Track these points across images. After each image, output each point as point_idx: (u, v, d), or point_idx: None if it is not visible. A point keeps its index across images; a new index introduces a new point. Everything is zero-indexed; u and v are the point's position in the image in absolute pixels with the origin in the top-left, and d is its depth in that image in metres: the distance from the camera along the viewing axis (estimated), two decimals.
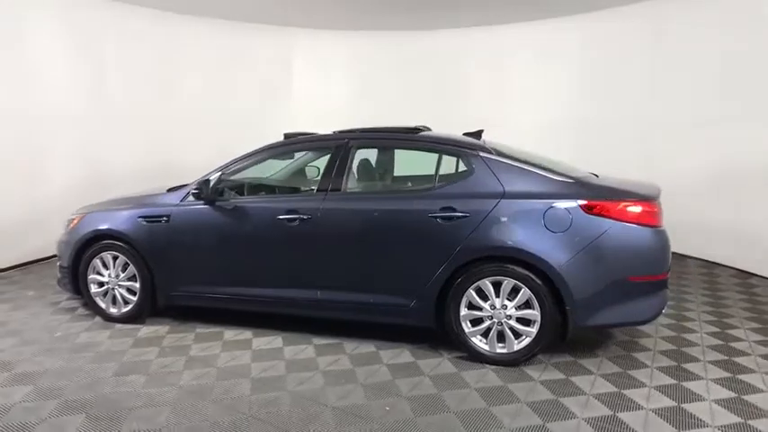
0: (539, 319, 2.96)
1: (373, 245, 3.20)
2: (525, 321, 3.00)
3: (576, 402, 2.67)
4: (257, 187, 3.86)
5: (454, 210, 3.06)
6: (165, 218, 3.56)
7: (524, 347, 3.01)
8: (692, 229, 5.61)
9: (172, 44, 6.52)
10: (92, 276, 3.75)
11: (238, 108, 7.03)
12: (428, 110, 6.28)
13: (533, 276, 2.93)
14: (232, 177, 3.62)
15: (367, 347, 3.32)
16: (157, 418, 2.50)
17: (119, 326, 3.69)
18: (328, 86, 7.46)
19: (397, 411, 2.57)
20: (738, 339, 3.49)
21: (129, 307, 3.70)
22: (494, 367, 3.04)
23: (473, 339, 3.10)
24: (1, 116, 4.95)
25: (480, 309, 3.05)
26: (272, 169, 4.02)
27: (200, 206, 3.52)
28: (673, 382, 2.89)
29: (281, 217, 3.31)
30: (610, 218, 2.90)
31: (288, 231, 3.30)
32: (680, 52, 5.61)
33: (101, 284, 3.74)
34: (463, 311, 3.08)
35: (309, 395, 2.72)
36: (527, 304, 2.98)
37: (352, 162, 3.41)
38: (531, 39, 6.85)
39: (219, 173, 3.57)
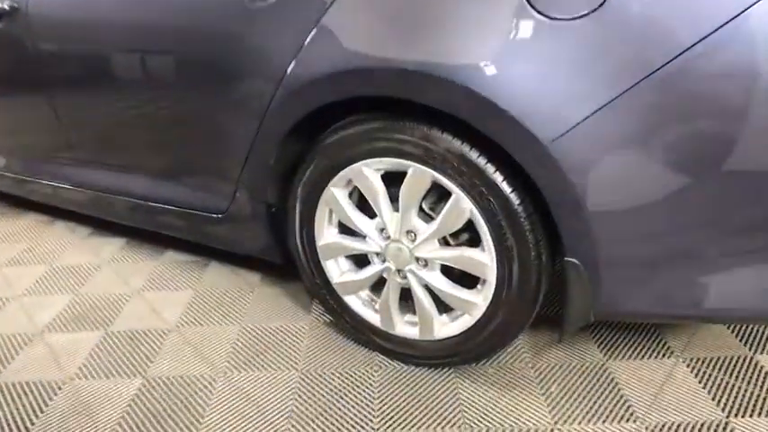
0: (493, 273, 1.08)
1: (129, 65, 1.40)
2: (464, 278, 1.15)
3: None
4: None
5: None
6: None
7: (456, 336, 1.20)
8: None
9: None
10: None
11: None
12: None
13: (482, 164, 0.99)
14: None
15: (217, 283, 1.75)
16: None
17: None
18: None
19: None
20: None
21: None
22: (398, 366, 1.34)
23: (348, 299, 1.35)
24: None
25: (364, 236, 1.24)
26: None
27: None
28: None
29: None
30: None
31: None
32: None
33: None
34: (327, 235, 1.29)
35: None
36: (469, 236, 1.11)
37: None
38: None
39: None
